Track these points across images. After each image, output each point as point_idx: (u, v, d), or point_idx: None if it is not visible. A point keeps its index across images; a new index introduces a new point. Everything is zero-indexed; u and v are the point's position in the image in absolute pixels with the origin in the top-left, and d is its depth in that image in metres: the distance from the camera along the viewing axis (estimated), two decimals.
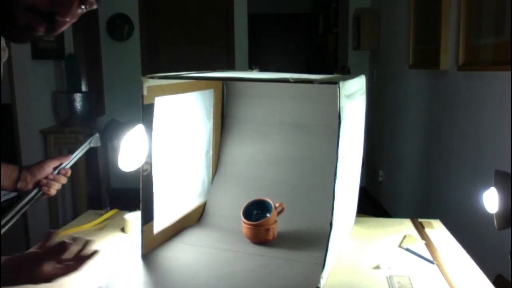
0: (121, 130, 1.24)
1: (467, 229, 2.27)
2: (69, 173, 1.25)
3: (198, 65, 4.67)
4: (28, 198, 1.19)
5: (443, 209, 2.71)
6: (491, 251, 2.04)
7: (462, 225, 2.32)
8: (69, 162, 1.25)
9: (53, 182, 1.21)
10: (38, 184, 1.20)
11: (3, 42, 1.03)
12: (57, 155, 1.31)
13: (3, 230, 1.11)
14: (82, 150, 1.27)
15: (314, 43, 7.18)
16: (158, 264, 1.24)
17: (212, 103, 1.58)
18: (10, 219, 1.14)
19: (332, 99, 1.11)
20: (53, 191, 1.22)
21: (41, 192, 1.21)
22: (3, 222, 1.11)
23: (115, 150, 1.25)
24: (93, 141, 1.29)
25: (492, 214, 1.15)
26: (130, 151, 1.23)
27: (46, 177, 1.21)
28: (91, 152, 4.02)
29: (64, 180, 1.24)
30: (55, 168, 1.23)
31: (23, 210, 1.18)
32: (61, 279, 0.89)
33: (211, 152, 1.61)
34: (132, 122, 1.25)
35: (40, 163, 1.21)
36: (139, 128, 1.23)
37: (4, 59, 1.05)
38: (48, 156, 3.30)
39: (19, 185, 1.18)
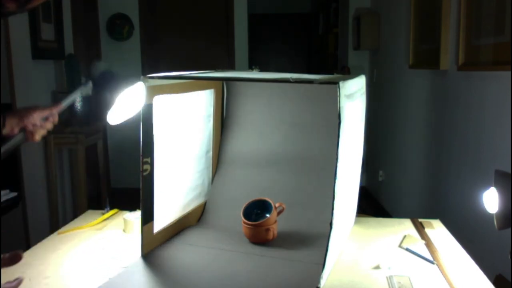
0: (115, 82, 1.21)
1: (467, 229, 2.27)
2: (56, 120, 1.20)
3: (198, 65, 4.66)
4: (12, 142, 1.14)
5: (443, 209, 2.71)
6: (491, 251, 2.04)
7: (462, 225, 2.32)
8: (59, 110, 1.21)
9: (40, 129, 1.17)
10: (23, 129, 1.15)
11: None
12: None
13: None
14: (73, 97, 1.22)
15: (314, 43, 7.18)
16: (158, 264, 1.24)
17: (212, 103, 1.58)
18: None
19: (332, 99, 1.11)
20: (38, 138, 1.18)
21: (24, 137, 1.16)
22: None
23: (105, 101, 1.21)
24: (85, 90, 1.25)
25: (492, 214, 1.15)
26: (123, 107, 1.20)
27: (33, 124, 1.17)
28: (91, 152, 4.00)
29: (50, 126, 1.19)
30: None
31: (5, 154, 1.14)
32: None
33: (211, 152, 1.61)
34: (128, 76, 1.22)
35: (30, 110, 1.16)
36: (138, 85, 1.21)
37: None
38: (48, 157, 3.30)
39: (4, 131, 1.14)
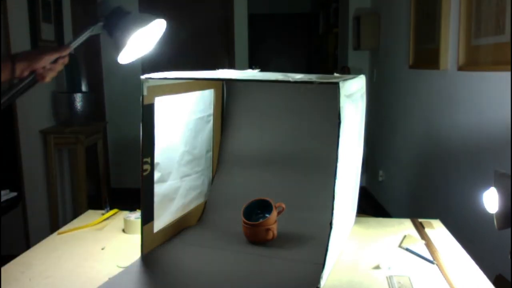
0: (126, 21, 1.18)
1: (467, 229, 2.27)
2: (66, 61, 1.19)
3: (198, 65, 4.66)
4: (23, 85, 1.14)
5: (443, 209, 2.71)
6: (491, 251, 2.04)
7: (462, 225, 2.32)
8: (68, 51, 1.19)
9: (49, 71, 1.16)
10: (33, 72, 1.14)
11: None
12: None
13: None
14: (83, 37, 1.19)
15: (314, 43, 7.18)
16: (158, 264, 1.24)
17: (212, 103, 1.58)
18: (3, 103, 1.09)
19: (332, 99, 1.11)
20: (48, 79, 1.17)
21: (35, 79, 1.15)
22: None
23: (114, 42, 1.18)
24: (95, 29, 1.21)
25: (492, 214, 1.15)
26: (135, 46, 1.17)
27: (43, 67, 1.15)
28: (91, 152, 3.98)
29: (61, 67, 1.18)
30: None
31: (15, 97, 1.13)
32: None
33: (211, 152, 1.61)
34: (140, 18, 1.18)
35: (39, 55, 1.14)
36: (156, 23, 1.18)
37: None
38: (48, 157, 3.30)
39: (14, 75, 1.12)
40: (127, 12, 1.20)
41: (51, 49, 1.16)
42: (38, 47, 1.19)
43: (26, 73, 1.13)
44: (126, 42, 1.17)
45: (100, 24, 1.20)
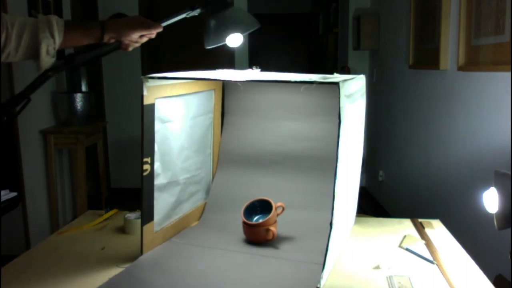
0: (227, 17, 1.18)
1: (467, 229, 2.27)
2: (153, 37, 1.23)
3: (199, 65, 4.66)
4: (106, 49, 1.19)
5: (443, 209, 2.71)
6: (491, 251, 2.04)
7: (462, 225, 2.32)
8: (158, 30, 1.22)
9: (134, 43, 1.22)
10: (119, 41, 1.19)
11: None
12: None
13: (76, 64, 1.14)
14: (176, 18, 1.22)
15: (314, 43, 7.19)
16: (158, 264, 1.24)
17: (212, 103, 1.58)
18: (86, 62, 1.17)
19: (332, 99, 1.11)
20: (130, 49, 1.23)
21: (118, 46, 1.20)
22: (78, 61, 1.13)
23: (208, 30, 1.19)
24: (192, 13, 1.21)
25: (492, 214, 1.15)
26: (225, 38, 1.20)
27: (130, 40, 1.21)
28: (91, 152, 3.98)
29: (145, 40, 1.23)
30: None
31: (98, 57, 1.20)
32: None
33: (211, 152, 1.61)
34: (242, 20, 1.18)
35: (130, 30, 1.18)
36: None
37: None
38: (48, 157, 3.30)
39: (103, 41, 1.18)
40: (229, 4, 1.21)
41: (142, 26, 1.20)
42: (129, 17, 1.23)
43: (112, 41, 1.18)
44: (223, 40, 1.20)
45: (198, 9, 1.22)
